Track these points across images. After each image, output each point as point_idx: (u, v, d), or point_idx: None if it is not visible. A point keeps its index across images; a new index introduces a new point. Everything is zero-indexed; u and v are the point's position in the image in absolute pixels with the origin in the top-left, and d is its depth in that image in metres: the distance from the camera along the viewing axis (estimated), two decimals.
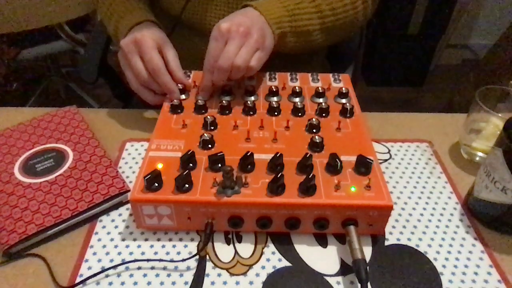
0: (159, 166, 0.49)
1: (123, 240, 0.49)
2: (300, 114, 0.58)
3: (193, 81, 0.64)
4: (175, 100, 0.58)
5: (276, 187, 0.46)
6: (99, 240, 0.49)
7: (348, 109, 0.57)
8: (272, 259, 0.47)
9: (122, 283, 0.44)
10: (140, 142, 0.63)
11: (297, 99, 0.60)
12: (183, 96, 0.61)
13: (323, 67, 0.87)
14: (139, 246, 0.48)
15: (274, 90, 0.61)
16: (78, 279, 0.44)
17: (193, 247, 0.48)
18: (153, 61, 0.57)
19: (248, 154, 0.48)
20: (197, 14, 0.69)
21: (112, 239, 0.49)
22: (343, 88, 0.61)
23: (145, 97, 0.61)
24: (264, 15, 0.58)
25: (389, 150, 0.62)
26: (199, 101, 0.58)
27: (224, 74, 0.55)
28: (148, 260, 0.46)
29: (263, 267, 0.46)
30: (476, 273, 0.46)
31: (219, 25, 0.55)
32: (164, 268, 0.46)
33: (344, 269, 0.46)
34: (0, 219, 0.48)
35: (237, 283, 0.44)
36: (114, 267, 0.45)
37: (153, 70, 0.57)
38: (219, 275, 0.45)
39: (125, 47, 0.58)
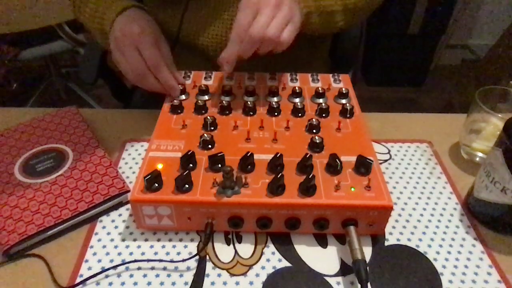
0: (159, 166, 0.49)
1: (123, 240, 0.49)
2: (300, 114, 0.58)
3: (193, 81, 0.64)
4: (175, 101, 0.58)
5: (276, 187, 0.46)
6: (99, 240, 0.49)
7: (348, 109, 0.57)
8: (272, 259, 0.47)
9: (122, 283, 0.44)
10: (140, 142, 0.63)
11: (297, 100, 0.60)
12: (183, 97, 0.61)
13: (324, 68, 0.87)
14: (139, 247, 0.48)
15: (274, 90, 0.61)
16: (78, 279, 0.44)
17: (193, 247, 0.48)
18: (152, 56, 0.56)
19: (248, 154, 0.48)
20: (192, 34, 0.69)
21: (112, 240, 0.49)
22: (343, 89, 0.61)
23: (145, 86, 0.60)
24: None
25: (389, 151, 0.62)
26: (199, 101, 0.58)
27: (253, 45, 0.53)
28: (148, 260, 0.46)
29: (263, 268, 0.46)
30: (476, 273, 0.46)
31: None
32: (164, 269, 0.46)
33: (344, 269, 0.46)
34: (0, 219, 0.48)
35: (237, 283, 0.45)
36: (114, 267, 0.45)
37: (153, 66, 0.57)
38: (219, 275, 0.45)
39: (120, 40, 0.57)
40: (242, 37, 0.53)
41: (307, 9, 0.59)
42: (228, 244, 0.49)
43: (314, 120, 0.55)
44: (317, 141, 0.51)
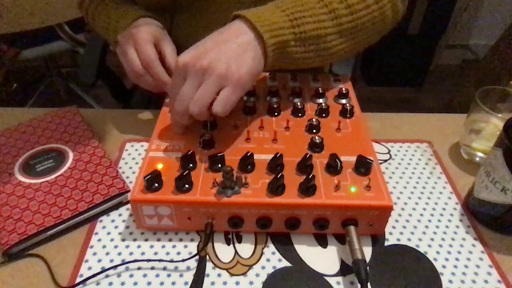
0: (159, 166, 0.49)
1: (123, 240, 0.49)
2: (300, 114, 0.58)
3: None
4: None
5: (276, 187, 0.46)
6: (99, 240, 0.49)
7: (348, 109, 0.57)
8: (272, 259, 0.47)
9: (122, 283, 0.44)
10: (140, 142, 0.63)
11: (297, 100, 0.60)
12: None
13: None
14: (139, 247, 0.48)
15: (274, 90, 0.61)
16: (78, 279, 0.44)
17: (193, 247, 0.48)
18: (146, 53, 0.56)
19: (248, 154, 0.48)
20: (182, 39, 0.67)
21: (112, 239, 0.49)
22: (343, 89, 0.61)
23: (143, 85, 0.59)
24: (256, 25, 0.48)
25: (389, 151, 0.62)
26: None
27: (183, 117, 0.49)
28: (148, 260, 0.46)
29: (263, 267, 0.46)
30: (476, 273, 0.46)
31: (180, 57, 0.48)
32: (164, 268, 0.46)
33: (344, 269, 0.46)
34: (0, 219, 0.48)
35: (237, 283, 0.45)
36: (114, 267, 0.45)
37: (145, 62, 0.56)
38: (219, 275, 0.45)
39: (120, 40, 0.59)
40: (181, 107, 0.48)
41: (277, 38, 0.49)
42: (228, 244, 0.49)
43: (314, 120, 0.55)
44: (317, 141, 0.51)
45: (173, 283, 0.44)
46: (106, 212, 0.52)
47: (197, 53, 0.47)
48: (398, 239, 0.50)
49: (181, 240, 0.49)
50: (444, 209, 0.53)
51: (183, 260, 0.46)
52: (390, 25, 0.61)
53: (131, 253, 0.47)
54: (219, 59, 0.46)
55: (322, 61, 0.57)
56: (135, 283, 0.44)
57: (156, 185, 0.46)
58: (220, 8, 0.65)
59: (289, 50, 0.52)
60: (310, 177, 0.45)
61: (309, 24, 0.52)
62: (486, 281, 0.45)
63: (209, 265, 0.46)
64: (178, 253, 0.47)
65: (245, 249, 0.48)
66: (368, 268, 0.43)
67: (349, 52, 0.59)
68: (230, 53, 0.47)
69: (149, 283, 0.44)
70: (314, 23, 0.52)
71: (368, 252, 0.48)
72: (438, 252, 0.48)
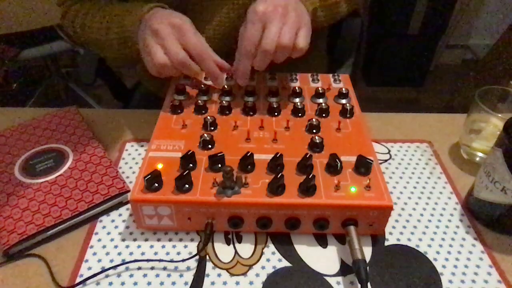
0: (159, 166, 0.49)
1: (123, 240, 0.49)
2: (300, 114, 0.58)
3: (193, 81, 0.64)
4: (175, 101, 0.58)
5: (276, 187, 0.46)
6: (99, 240, 0.49)
7: (348, 109, 0.57)
8: (272, 259, 0.47)
9: (122, 283, 0.44)
10: (140, 142, 0.63)
11: (297, 100, 0.60)
12: (182, 97, 0.60)
13: (321, 62, 0.86)
14: (139, 247, 0.48)
15: (274, 90, 0.61)
16: (78, 279, 0.44)
17: (193, 247, 0.48)
18: (200, 45, 0.55)
19: (248, 154, 0.48)
20: (196, 24, 0.67)
21: (112, 239, 0.49)
22: (343, 89, 0.61)
23: (175, 74, 0.57)
24: None
25: (389, 151, 0.62)
26: (199, 101, 0.58)
27: (268, 57, 0.53)
28: (148, 260, 0.46)
29: (263, 267, 0.46)
30: (476, 273, 0.46)
31: (255, 8, 0.53)
32: (164, 268, 0.46)
33: (344, 269, 0.46)
34: (0, 219, 0.48)
35: (237, 283, 0.45)
36: (114, 267, 0.45)
37: (199, 54, 0.55)
38: (219, 275, 0.45)
39: (160, 31, 0.55)
40: (253, 52, 0.53)
41: (312, 6, 0.60)
42: (228, 244, 0.49)
43: (314, 120, 0.55)
44: (317, 141, 0.51)
45: (173, 283, 0.44)
46: (106, 212, 0.52)
47: (269, 3, 0.54)
48: (398, 239, 0.50)
49: (181, 240, 0.49)
50: (444, 209, 0.53)
51: (183, 260, 0.46)
52: None
53: (131, 253, 0.47)
54: (290, 6, 0.54)
55: (328, 23, 0.68)
56: (135, 283, 0.44)
57: (156, 185, 0.46)
58: (214, 10, 0.65)
59: (317, 15, 0.63)
60: (310, 177, 0.45)
61: None
62: (486, 281, 0.45)
63: (209, 265, 0.46)
64: (178, 253, 0.47)
65: (245, 249, 0.48)
66: (368, 268, 0.43)
67: (347, 14, 0.70)
68: (295, 3, 0.56)
69: (149, 283, 0.44)
70: None
71: (368, 252, 0.48)
72: (438, 252, 0.48)
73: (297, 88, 0.61)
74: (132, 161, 0.59)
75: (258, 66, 0.55)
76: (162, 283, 0.44)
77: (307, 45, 0.54)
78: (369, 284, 0.43)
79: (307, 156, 0.48)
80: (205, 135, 0.52)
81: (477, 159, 0.60)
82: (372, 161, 0.48)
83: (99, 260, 0.46)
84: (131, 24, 0.60)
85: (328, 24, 0.68)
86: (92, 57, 0.89)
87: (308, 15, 0.57)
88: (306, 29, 0.55)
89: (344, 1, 0.66)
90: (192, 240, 0.49)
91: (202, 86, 0.61)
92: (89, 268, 0.46)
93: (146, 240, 0.49)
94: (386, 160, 0.61)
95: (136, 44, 0.59)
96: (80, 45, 1.54)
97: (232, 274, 0.45)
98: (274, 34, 0.52)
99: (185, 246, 0.48)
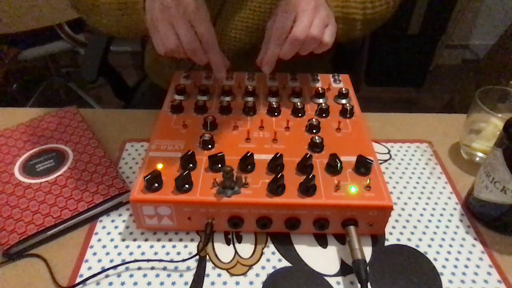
0: (159, 166, 0.49)
1: (123, 240, 0.49)
2: (300, 114, 0.58)
3: (194, 81, 0.64)
4: (175, 100, 0.58)
5: (276, 187, 0.46)
6: (99, 240, 0.49)
7: (348, 109, 0.57)
8: (272, 259, 0.47)
9: (122, 283, 0.44)
10: (140, 142, 0.63)
11: (297, 100, 0.60)
12: (182, 97, 0.60)
13: (325, 71, 0.86)
14: (139, 247, 0.48)
15: (274, 90, 0.61)
16: (78, 279, 0.44)
17: (193, 247, 0.48)
18: (209, 34, 0.54)
19: (248, 154, 0.48)
20: (224, 23, 0.67)
21: (112, 239, 0.49)
22: (343, 89, 0.61)
23: (181, 56, 0.56)
24: None
25: (389, 151, 0.62)
26: (199, 101, 0.58)
27: (297, 46, 0.54)
28: (148, 260, 0.46)
29: (263, 267, 0.46)
30: (476, 273, 0.46)
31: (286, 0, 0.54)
32: (164, 269, 0.46)
33: (344, 269, 0.46)
34: (0, 219, 0.48)
35: (237, 283, 0.45)
36: (114, 267, 0.45)
37: (207, 43, 0.54)
38: (219, 275, 0.45)
39: (172, 12, 0.52)
40: (282, 40, 0.54)
41: (335, 14, 0.61)
42: (228, 244, 0.49)
43: (314, 120, 0.55)
44: (317, 141, 0.51)
45: (173, 283, 0.44)
46: (106, 212, 0.52)
47: None
48: (398, 239, 0.50)
49: (181, 240, 0.49)
50: (444, 209, 0.53)
51: (183, 260, 0.46)
52: (387, 18, 0.74)
53: (131, 253, 0.47)
54: (321, 3, 0.56)
55: (343, 39, 0.67)
56: (135, 283, 0.44)
57: (156, 185, 0.46)
58: None
59: (337, 26, 0.62)
60: (310, 177, 0.45)
61: (350, 8, 0.63)
62: (486, 281, 0.45)
63: (209, 265, 0.46)
64: (178, 253, 0.47)
65: (245, 249, 0.48)
66: (368, 268, 0.43)
67: (358, 36, 0.70)
68: (324, 3, 0.57)
69: (149, 283, 0.44)
70: (353, 8, 0.64)
71: (368, 252, 0.48)
72: (438, 252, 0.48)
73: (297, 88, 0.61)
74: (132, 161, 0.59)
75: (284, 55, 0.55)
76: (162, 283, 0.44)
77: (331, 41, 0.56)
78: (369, 284, 0.43)
79: (307, 156, 0.48)
80: (205, 135, 0.52)
81: (477, 159, 0.60)
82: (372, 161, 0.48)
83: (99, 260, 0.46)
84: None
85: (341, 39, 0.66)
86: (95, 54, 0.89)
87: (334, 18, 0.59)
88: (332, 27, 0.57)
89: (361, 23, 0.67)
90: (192, 240, 0.49)
91: (202, 86, 0.61)
92: (89, 268, 0.46)
93: (146, 240, 0.49)
94: (386, 160, 0.61)
95: (137, 13, 0.56)
96: (80, 45, 1.54)
97: (232, 274, 0.45)
98: (305, 24, 0.53)
99: (185, 246, 0.48)
